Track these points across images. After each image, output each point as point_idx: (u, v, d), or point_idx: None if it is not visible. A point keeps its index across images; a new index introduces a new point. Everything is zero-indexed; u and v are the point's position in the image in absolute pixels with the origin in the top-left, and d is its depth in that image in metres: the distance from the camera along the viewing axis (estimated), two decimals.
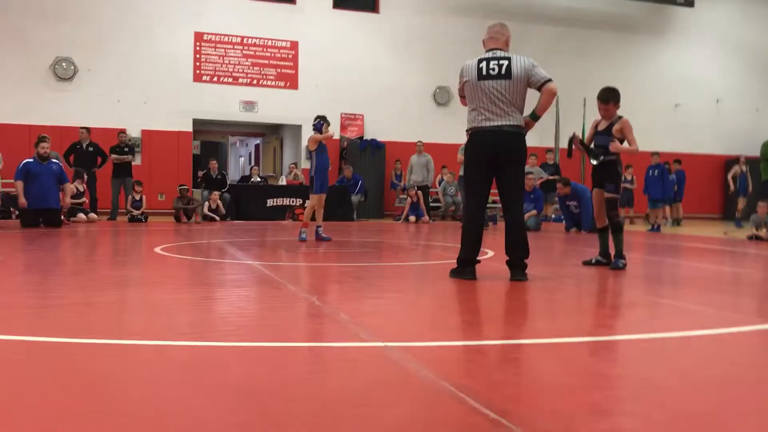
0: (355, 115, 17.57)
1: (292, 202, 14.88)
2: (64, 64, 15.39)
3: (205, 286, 4.83)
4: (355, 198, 15.64)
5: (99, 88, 15.51)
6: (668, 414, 2.01)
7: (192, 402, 2.05)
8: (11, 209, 12.18)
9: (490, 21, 17.72)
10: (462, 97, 5.08)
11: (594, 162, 5.97)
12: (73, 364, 2.47)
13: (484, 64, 4.84)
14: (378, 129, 17.63)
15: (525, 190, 12.26)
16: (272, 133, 19.76)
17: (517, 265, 4.95)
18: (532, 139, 18.43)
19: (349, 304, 4.08)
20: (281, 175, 17.70)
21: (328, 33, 17.44)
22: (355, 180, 15.94)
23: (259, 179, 16.33)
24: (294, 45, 17.28)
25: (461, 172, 12.72)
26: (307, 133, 17.26)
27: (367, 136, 17.57)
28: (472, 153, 4.94)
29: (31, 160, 11.04)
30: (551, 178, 14.44)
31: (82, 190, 12.64)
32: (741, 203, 15.65)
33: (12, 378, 2.29)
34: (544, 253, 8.17)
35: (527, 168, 13.86)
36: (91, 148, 13.36)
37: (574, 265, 6.29)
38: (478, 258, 5.05)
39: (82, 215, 12.31)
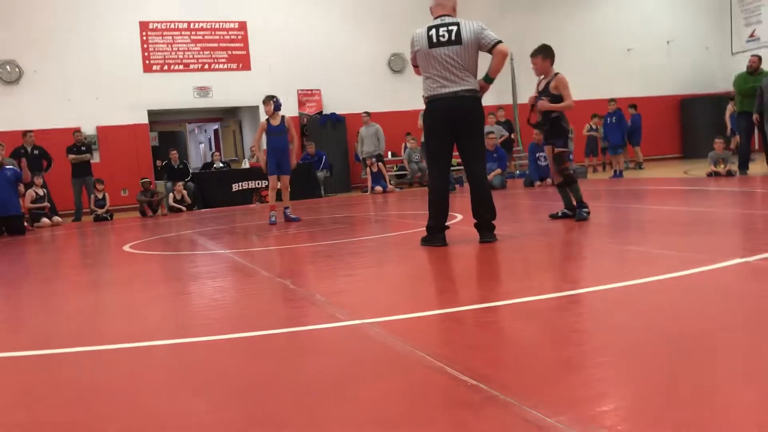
0: (311, 90, 17.42)
1: (258, 184, 14.78)
2: (8, 67, 14.95)
3: (177, 281, 4.82)
4: (320, 174, 15.60)
5: (47, 88, 15.12)
6: (637, 361, 2.09)
7: (178, 403, 2.08)
8: None
9: None
10: (415, 66, 5.09)
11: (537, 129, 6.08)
12: (54, 376, 2.48)
13: (433, 32, 4.84)
14: (336, 103, 17.51)
15: (487, 149, 12.51)
16: (230, 116, 19.53)
17: (485, 227, 5.04)
18: (490, 99, 18.41)
19: (324, 283, 4.12)
20: (243, 158, 17.54)
21: (278, 10, 17.17)
22: (318, 156, 15.88)
23: (221, 165, 16.17)
24: (242, 25, 16.99)
25: (423, 139, 12.78)
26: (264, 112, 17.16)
27: (326, 111, 17.45)
28: (431, 121, 4.94)
29: (9, 167, 10.78)
30: (505, 136, 14.66)
31: (42, 194, 12.40)
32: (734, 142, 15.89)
33: None
34: (511, 210, 8.28)
35: (488, 128, 13.99)
36: (36, 152, 13.03)
37: (541, 221, 6.41)
38: (447, 224, 5.12)
39: (45, 220, 12.09)
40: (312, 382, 2.15)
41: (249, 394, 2.08)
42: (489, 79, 4.97)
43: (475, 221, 5.09)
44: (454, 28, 4.82)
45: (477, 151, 5.06)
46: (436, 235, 5.00)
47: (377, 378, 2.15)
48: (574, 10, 19.97)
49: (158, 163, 15.87)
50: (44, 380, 2.43)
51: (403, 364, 2.26)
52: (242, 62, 16.99)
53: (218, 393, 2.11)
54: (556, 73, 6.05)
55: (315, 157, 15.80)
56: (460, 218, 6.99)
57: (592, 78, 18.90)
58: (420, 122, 12.24)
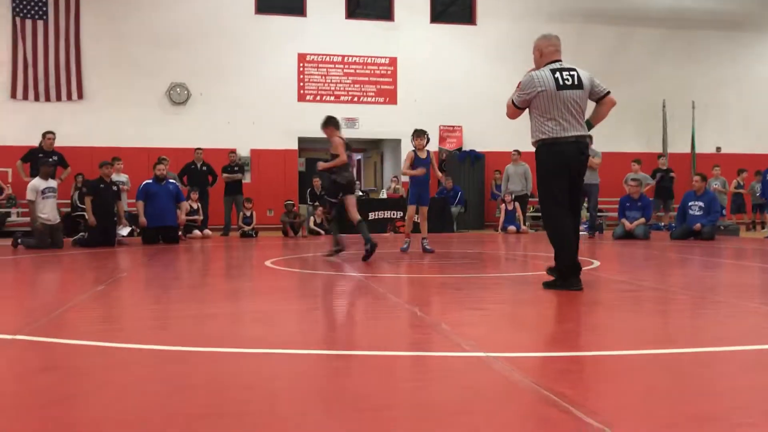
0: (453, 126, 17.64)
1: (393, 214, 15.09)
2: (178, 89, 16.38)
3: (312, 297, 5.04)
4: (455, 209, 15.67)
5: (210, 111, 16.39)
6: None
7: (300, 408, 2.19)
8: (133, 228, 13.05)
9: (590, 26, 17.34)
10: (519, 107, 5.02)
11: None
12: (194, 370, 2.68)
13: (558, 75, 4.85)
14: (477, 140, 17.61)
15: (632, 197, 12.03)
16: (372, 148, 20.13)
17: (576, 272, 4.83)
18: (636, 144, 17.74)
19: (451, 314, 4.14)
20: (382, 188, 17.99)
21: (426, 47, 17.63)
22: (455, 191, 15.97)
23: (360, 193, 16.67)
24: (393, 61, 17.58)
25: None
26: (407, 146, 17.57)
27: (466, 147, 17.58)
28: (555, 162, 4.85)
29: (150, 181, 11.81)
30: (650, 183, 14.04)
31: (196, 207, 13.37)
32: None
33: (141, 382, 2.52)
34: (655, 261, 7.91)
35: (632, 175, 13.48)
36: (204, 168, 14.12)
37: (686, 275, 6.07)
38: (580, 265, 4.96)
39: (197, 232, 13.00)
40: (431, 406, 2.18)
41: (369, 408, 2.15)
42: (590, 126, 5.01)
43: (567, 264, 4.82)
44: (575, 73, 4.88)
45: (580, 195, 5.09)
46: (571, 277, 4.80)
47: (496, 409, 2.15)
48: (733, 59, 18.92)
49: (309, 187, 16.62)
50: (186, 372, 2.64)
51: (524, 399, 2.24)
52: (389, 96, 17.54)
53: (340, 403, 2.20)
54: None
55: (451, 192, 15.91)
56: (596, 264, 6.78)
57: (749, 131, 17.77)
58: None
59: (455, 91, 17.45)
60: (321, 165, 7.72)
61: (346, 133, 17.28)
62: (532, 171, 15.70)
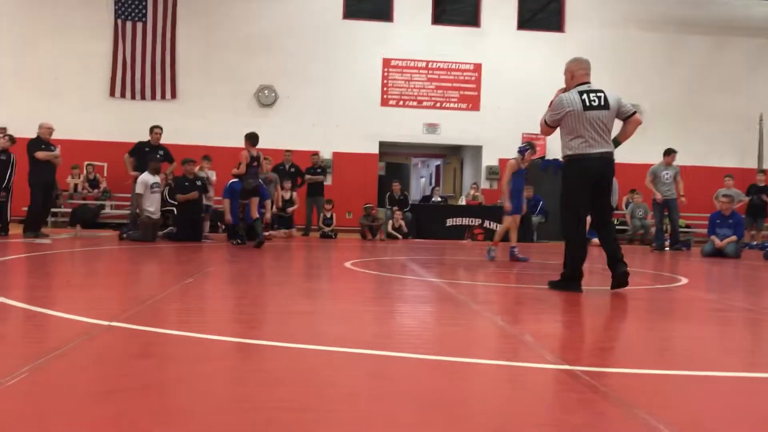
0: (537, 135, 17.37)
1: (471, 222, 15.01)
2: (266, 91, 16.84)
3: (390, 300, 5.09)
4: (535, 219, 15.43)
5: (296, 113, 16.78)
6: None
7: (383, 406, 2.23)
8: (218, 224, 13.48)
9: (683, 36, 16.73)
10: (551, 126, 5.46)
11: None
12: (280, 364, 2.77)
13: (585, 96, 5.25)
14: (560, 149, 17.27)
15: (723, 214, 11.54)
16: (453, 154, 20.08)
17: (622, 268, 5.29)
18: (730, 159, 16.99)
19: (534, 324, 4.10)
20: (461, 195, 17.92)
21: (512, 54, 17.47)
22: (536, 200, 15.73)
23: (439, 199, 16.67)
24: (477, 67, 17.50)
25: (657, 195, 12.23)
26: (488, 154, 17.49)
27: (549, 156, 17.28)
28: (579, 177, 5.32)
29: (236, 179, 12.16)
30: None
31: (289, 197, 13.70)
32: None
33: (227, 373, 2.62)
34: (745, 281, 7.56)
35: (724, 190, 12.92)
36: (293, 169, 14.43)
37: None
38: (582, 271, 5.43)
39: (281, 230, 13.26)
40: (512, 414, 2.18)
41: (448, 411, 2.17)
42: (617, 144, 5.40)
43: (614, 270, 5.33)
44: (602, 94, 5.28)
45: (610, 207, 5.56)
46: (571, 282, 5.34)
47: (584, 426, 2.12)
48: None
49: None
50: (279, 367, 2.73)
51: (613, 416, 2.20)
52: (472, 103, 17.46)
53: (420, 404, 2.22)
54: None
55: (532, 201, 15.67)
56: (685, 281, 6.54)
57: None
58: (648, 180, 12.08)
59: (540, 99, 17.08)
60: (233, 171, 10.30)
61: (428, 138, 17.50)
62: (623, 184, 15.32)
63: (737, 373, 2.88)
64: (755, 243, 14.43)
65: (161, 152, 11.73)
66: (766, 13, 17.73)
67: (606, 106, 5.23)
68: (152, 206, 10.80)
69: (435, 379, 2.64)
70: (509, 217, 9.02)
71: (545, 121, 5.46)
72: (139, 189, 10.82)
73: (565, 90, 5.40)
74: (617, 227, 15.85)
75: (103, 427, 1.89)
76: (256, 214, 10.52)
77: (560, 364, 2.85)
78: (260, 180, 11.80)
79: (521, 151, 9.01)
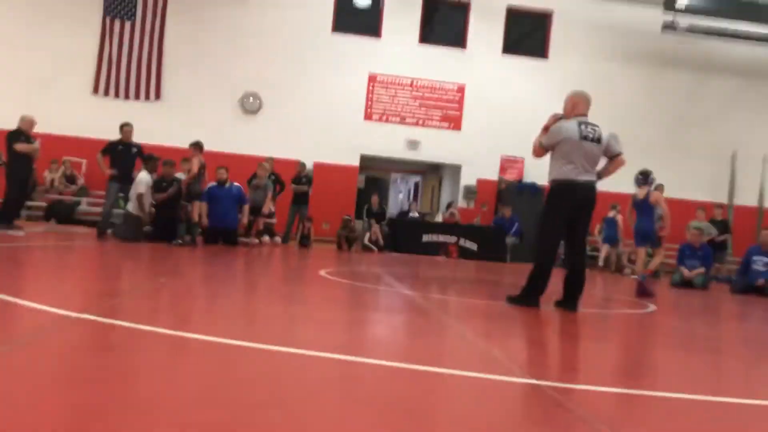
0: (515, 157, 17.59)
1: (447, 239, 15.11)
2: (251, 98, 16.86)
3: (363, 308, 5.12)
4: (510, 239, 15.58)
5: (279, 122, 16.79)
6: None
7: (351, 408, 2.26)
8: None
9: (665, 71, 17.11)
10: (544, 149, 5.65)
11: None
12: (248, 364, 2.79)
13: (583, 127, 5.54)
14: (537, 173, 17.49)
15: (692, 246, 11.76)
16: (432, 171, 20.22)
17: (572, 307, 5.53)
18: (703, 193, 17.25)
19: (500, 339, 4.16)
20: (438, 212, 18.04)
21: (496, 77, 17.70)
22: (511, 221, 15.90)
23: (416, 215, 16.76)
24: (461, 88, 17.70)
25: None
26: (467, 173, 17.63)
27: (527, 179, 17.49)
28: (564, 202, 5.54)
29: (214, 184, 12.16)
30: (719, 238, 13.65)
31: (273, 210, 13.66)
32: None
33: (192, 368, 2.64)
34: (712, 311, 7.71)
35: (696, 223, 13.16)
36: (272, 177, 14.31)
37: (739, 328, 5.92)
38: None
39: (265, 239, 13.20)
40: (476, 424, 2.22)
41: (412, 417, 2.21)
42: (599, 178, 5.69)
43: (565, 297, 5.56)
44: (598, 129, 5.60)
45: (586, 233, 5.82)
46: (531, 298, 5.52)
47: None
48: None
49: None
50: (247, 366, 2.75)
51: (576, 430, 2.26)
52: (454, 122, 17.64)
53: (384, 408, 2.26)
54: None
55: (509, 221, 15.84)
56: (652, 309, 6.66)
57: None
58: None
59: (521, 122, 17.39)
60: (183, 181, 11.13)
61: (409, 154, 17.61)
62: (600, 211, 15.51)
63: (698, 396, 2.96)
64: (720, 276, 14.71)
65: (134, 149, 11.56)
66: (744, 54, 18.18)
67: (599, 140, 5.54)
68: (143, 205, 10.81)
69: (402, 386, 2.68)
70: (641, 248, 9.28)
71: (541, 143, 5.68)
72: (141, 188, 10.77)
73: (561, 117, 5.67)
74: (590, 254, 16.06)
75: (68, 416, 1.90)
76: (195, 218, 11.18)
77: (526, 378, 2.91)
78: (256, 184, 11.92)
79: (639, 182, 9.26)
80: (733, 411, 2.74)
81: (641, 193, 9.22)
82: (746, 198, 17.51)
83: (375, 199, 15.82)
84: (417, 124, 17.57)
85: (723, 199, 17.20)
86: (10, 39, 16.10)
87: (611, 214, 15.18)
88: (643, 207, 9.22)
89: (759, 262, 11.28)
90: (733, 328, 6.37)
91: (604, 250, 15.19)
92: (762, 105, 18.25)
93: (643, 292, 8.14)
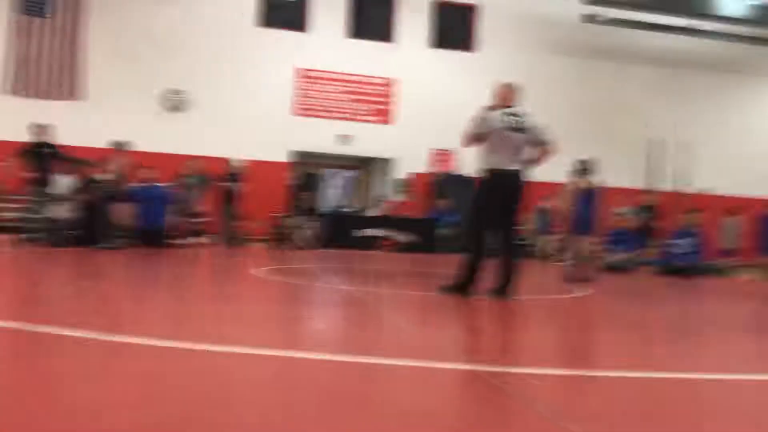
0: (446, 150, 17.76)
1: (380, 232, 15.15)
2: (175, 95, 16.40)
3: (297, 304, 5.05)
4: (443, 231, 15.72)
5: (205, 119, 16.39)
6: None
7: (291, 402, 2.21)
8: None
9: (589, 61, 17.44)
10: (472, 139, 5.77)
11: None
12: (183, 364, 2.69)
13: (508, 117, 5.67)
14: (469, 164, 17.72)
15: (616, 230, 12.16)
16: (364, 166, 20.19)
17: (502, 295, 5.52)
18: (624, 179, 17.69)
19: (437, 328, 4.16)
20: (370, 207, 18.05)
21: (425, 70, 17.79)
22: (449, 212, 16.04)
23: (349, 209, 16.72)
24: (390, 82, 17.73)
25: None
26: (397, 166, 17.71)
27: (457, 171, 17.66)
28: (494, 191, 5.65)
29: (140, 184, 11.78)
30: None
31: (201, 210, 13.32)
32: None
33: (126, 372, 2.53)
34: (641, 292, 7.98)
35: (621, 209, 13.62)
36: (198, 177, 13.89)
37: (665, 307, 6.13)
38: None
39: (195, 239, 12.84)
40: (418, 411, 2.21)
41: (354, 408, 2.17)
42: (527, 166, 5.76)
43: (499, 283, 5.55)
44: (523, 118, 5.71)
45: (515, 223, 5.86)
46: (463, 288, 5.53)
47: (488, 418, 2.18)
48: (730, 103, 19.31)
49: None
50: (182, 366, 2.65)
51: (514, 411, 2.27)
52: (384, 116, 17.66)
53: (325, 401, 2.22)
54: None
55: (446, 213, 16.01)
56: (589, 292, 6.83)
57: (738, 173, 18.07)
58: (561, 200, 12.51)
59: (450, 115, 17.53)
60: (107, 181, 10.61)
61: (340, 149, 17.54)
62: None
63: (632, 373, 3.03)
64: (648, 259, 15.26)
65: (50, 149, 11.01)
66: (664, 45, 18.88)
67: (522, 130, 5.66)
68: (63, 209, 10.37)
69: (342, 378, 2.64)
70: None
71: (466, 132, 5.81)
72: (62, 190, 10.37)
73: (491, 108, 5.79)
74: (522, 243, 16.38)
75: None
76: (131, 222, 10.99)
77: (464, 364, 2.91)
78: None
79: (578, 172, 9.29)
80: (672, 385, 2.82)
81: (583, 182, 9.40)
82: (664, 183, 18.22)
83: (306, 195, 15.66)
84: (347, 118, 17.49)
85: (641, 184, 17.83)
86: None
87: (546, 204, 15.45)
88: (585, 196, 9.35)
89: (679, 245, 11.77)
90: (661, 307, 6.60)
91: (540, 239, 15.49)
92: (684, 92, 18.96)
93: (577, 278, 8.39)
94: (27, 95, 15.75)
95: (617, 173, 18.08)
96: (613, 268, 11.85)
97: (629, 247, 12.34)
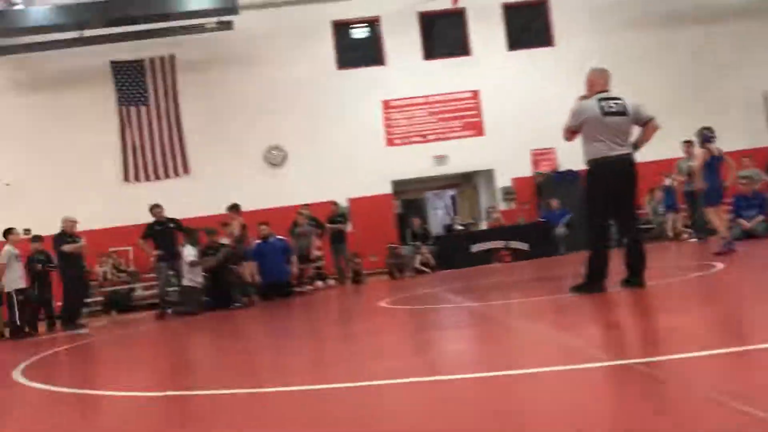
0: (546, 149, 17.45)
1: (496, 244, 15.02)
2: (274, 151, 17.13)
3: (430, 329, 5.11)
4: (559, 231, 15.37)
5: (306, 167, 16.98)
6: None
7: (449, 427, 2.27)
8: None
9: (670, 31, 16.78)
10: (572, 132, 5.69)
11: None
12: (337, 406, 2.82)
13: (604, 103, 5.53)
14: (573, 159, 17.30)
15: (746, 195, 11.46)
16: (465, 181, 20.16)
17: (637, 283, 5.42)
18: (741, 141, 16.74)
19: (576, 329, 4.10)
20: (481, 220, 17.95)
21: (507, 75, 17.63)
22: (563, 212, 15.68)
23: (460, 227, 16.72)
24: (475, 93, 17.70)
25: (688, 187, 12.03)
26: (500, 176, 17.57)
27: (563, 168, 17.29)
28: (603, 181, 5.51)
29: (259, 241, 12.34)
30: None
31: (321, 254, 13.78)
32: None
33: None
34: None
35: (745, 172, 12.83)
36: (313, 223, 14.37)
37: None
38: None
39: (318, 282, 13.31)
40: (590, 415, 2.21)
41: (498, 422, 2.20)
42: (636, 148, 5.64)
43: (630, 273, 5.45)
44: (621, 101, 5.57)
45: (633, 206, 5.81)
46: (594, 284, 5.45)
47: (653, 411, 2.15)
48: None
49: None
50: (331, 408, 2.78)
51: (684, 401, 2.23)
52: (476, 129, 17.63)
53: (479, 419, 2.26)
54: None
55: (559, 213, 15.66)
56: (720, 267, 6.51)
57: None
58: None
59: (542, 113, 17.24)
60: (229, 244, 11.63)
61: (438, 170, 17.64)
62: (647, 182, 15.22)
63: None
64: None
65: (171, 224, 11.83)
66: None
67: (625, 112, 5.51)
68: (197, 276, 11.03)
69: (491, 394, 2.67)
70: (712, 208, 8.95)
71: (567, 126, 5.75)
72: (190, 258, 11.01)
73: (585, 97, 5.71)
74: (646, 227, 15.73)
75: None
76: (257, 278, 11.73)
77: (614, 360, 2.87)
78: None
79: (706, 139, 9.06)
80: None
81: (714, 149, 9.00)
82: None
83: (416, 221, 15.84)
84: (439, 138, 17.58)
85: (765, 143, 16.76)
86: (35, 150, 16.65)
87: (667, 182, 14.78)
88: (713, 164, 9.02)
89: None
90: None
91: (670, 218, 14.81)
92: None
93: (723, 251, 8.23)
94: (145, 179, 16.93)
95: (732, 136, 17.10)
96: (752, 235, 11.17)
97: (762, 210, 11.60)
